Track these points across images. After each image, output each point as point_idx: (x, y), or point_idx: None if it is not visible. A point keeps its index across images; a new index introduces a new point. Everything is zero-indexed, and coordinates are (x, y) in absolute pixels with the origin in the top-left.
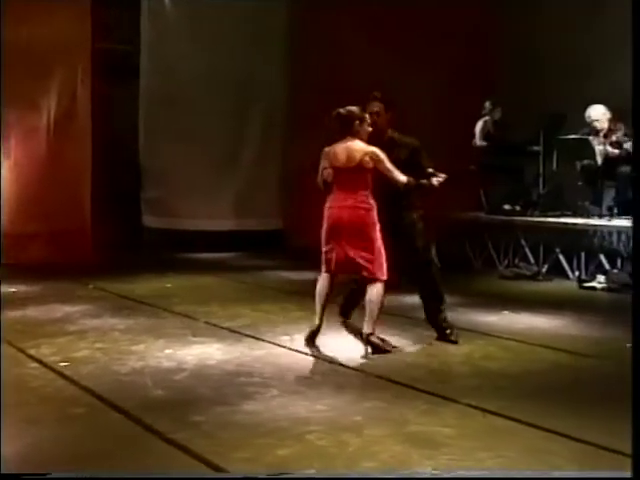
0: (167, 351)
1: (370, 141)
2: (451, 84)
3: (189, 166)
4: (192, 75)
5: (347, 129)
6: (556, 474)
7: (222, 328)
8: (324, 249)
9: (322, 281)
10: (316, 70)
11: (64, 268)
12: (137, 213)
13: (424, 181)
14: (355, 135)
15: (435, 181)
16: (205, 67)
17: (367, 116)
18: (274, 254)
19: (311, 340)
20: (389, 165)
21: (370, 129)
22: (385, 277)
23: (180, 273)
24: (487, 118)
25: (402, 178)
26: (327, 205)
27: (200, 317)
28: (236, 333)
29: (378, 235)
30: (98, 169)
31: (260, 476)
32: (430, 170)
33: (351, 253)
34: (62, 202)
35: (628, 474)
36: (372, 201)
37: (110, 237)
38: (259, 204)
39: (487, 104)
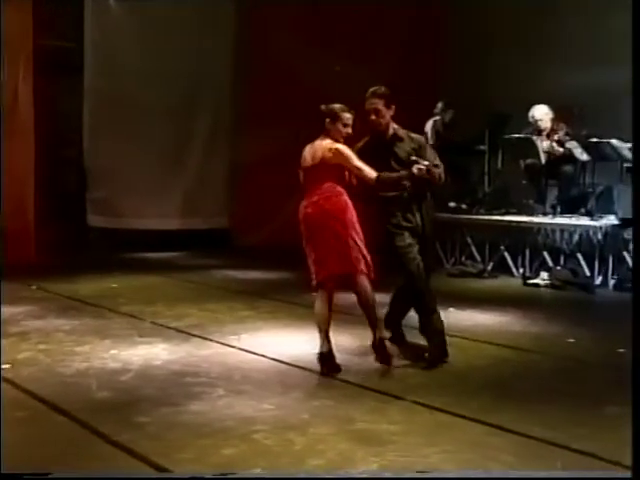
0: (112, 352)
1: (374, 139)
2: (396, 83)
3: (135, 165)
4: (137, 73)
5: (323, 126)
6: (555, 474)
7: (169, 328)
8: (310, 259)
9: (319, 301)
10: (263, 68)
11: (6, 268)
12: (82, 213)
13: (402, 172)
14: (327, 134)
15: (415, 169)
16: (150, 65)
17: (345, 116)
18: (221, 253)
19: (326, 364)
20: (357, 162)
21: (348, 130)
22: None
23: (126, 273)
24: (437, 118)
25: (372, 174)
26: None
27: (146, 317)
28: (183, 333)
29: (356, 221)
30: (42, 168)
31: (255, 476)
32: (413, 158)
33: (338, 250)
34: (5, 201)
35: (628, 474)
36: (340, 188)
37: (54, 237)
38: (206, 203)
39: (440, 104)
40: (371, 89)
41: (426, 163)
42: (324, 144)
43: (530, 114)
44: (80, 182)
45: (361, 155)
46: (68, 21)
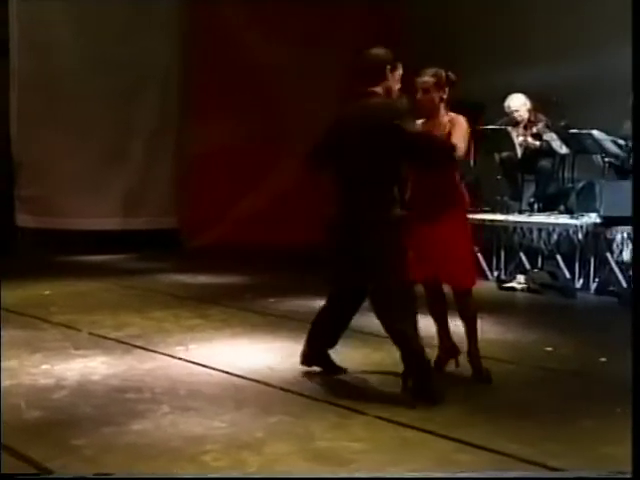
0: (44, 367)
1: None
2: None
3: (72, 159)
4: (74, 58)
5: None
6: (554, 474)
7: (108, 339)
8: None
9: None
10: (212, 57)
11: None
12: (10, 212)
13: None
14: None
15: None
16: (90, 51)
17: None
18: (168, 255)
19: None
20: None
21: None
22: None
23: (61, 278)
24: None
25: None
26: None
27: (83, 327)
28: (124, 344)
29: None
30: None
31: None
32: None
33: None
34: None
35: (628, 474)
36: None
37: None
38: (151, 201)
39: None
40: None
41: None
42: None
43: (506, 104)
44: (8, 178)
45: None
46: None
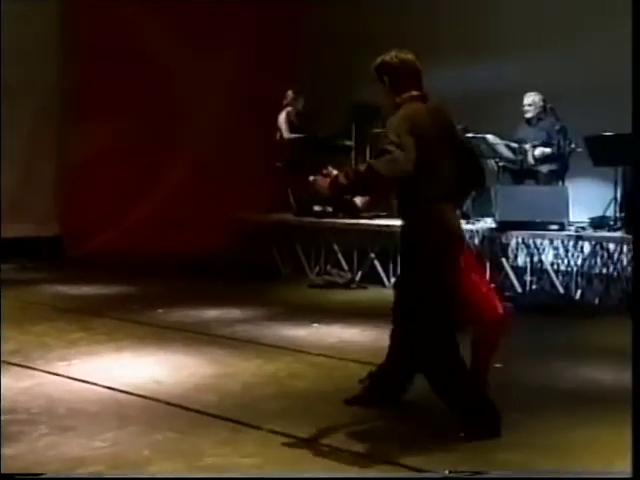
0: None
1: None
2: (251, 72)
3: None
4: None
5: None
6: (554, 474)
7: None
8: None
9: None
10: (97, 57)
11: None
12: None
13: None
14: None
15: None
16: None
17: None
18: (49, 265)
19: None
20: None
21: None
22: None
23: None
24: (290, 109)
25: None
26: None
27: None
28: None
29: None
30: None
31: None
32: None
33: None
34: None
35: (628, 474)
36: None
37: None
38: (31, 206)
39: (289, 93)
40: None
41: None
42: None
43: None
44: None
45: None
46: None
